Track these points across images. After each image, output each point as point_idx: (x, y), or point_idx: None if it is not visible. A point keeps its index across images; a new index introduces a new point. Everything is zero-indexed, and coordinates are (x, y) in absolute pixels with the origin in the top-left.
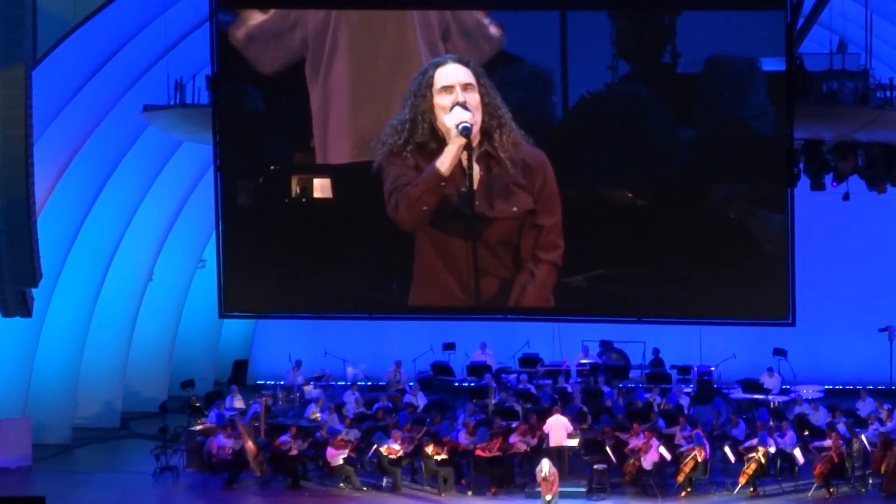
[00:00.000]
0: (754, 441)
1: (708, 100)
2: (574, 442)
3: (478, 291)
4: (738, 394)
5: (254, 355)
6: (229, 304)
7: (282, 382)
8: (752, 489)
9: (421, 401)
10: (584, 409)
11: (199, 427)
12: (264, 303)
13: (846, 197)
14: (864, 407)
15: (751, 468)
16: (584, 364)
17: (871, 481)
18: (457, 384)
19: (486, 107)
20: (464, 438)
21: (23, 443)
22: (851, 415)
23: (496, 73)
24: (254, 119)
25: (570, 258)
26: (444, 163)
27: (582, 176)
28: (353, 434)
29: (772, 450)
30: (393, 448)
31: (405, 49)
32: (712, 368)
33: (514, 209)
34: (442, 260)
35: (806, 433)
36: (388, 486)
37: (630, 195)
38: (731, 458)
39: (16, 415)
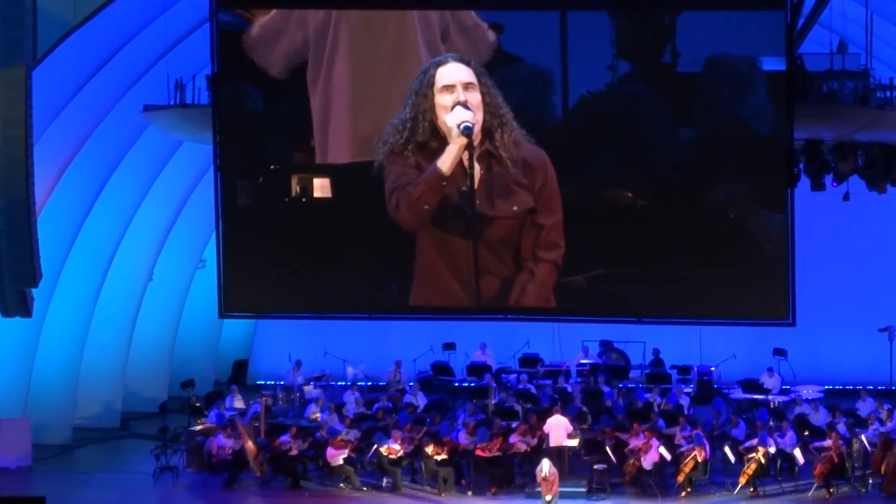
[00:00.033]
0: (754, 441)
1: (708, 99)
2: (574, 442)
3: (478, 291)
4: (738, 394)
5: (254, 355)
6: (229, 305)
7: (282, 382)
8: (752, 489)
9: (421, 401)
10: (584, 409)
11: (199, 427)
12: (264, 303)
13: (846, 197)
14: (864, 407)
15: (751, 468)
16: (584, 364)
17: (871, 481)
18: (457, 384)
19: (488, 106)
20: (464, 438)
21: (23, 443)
22: (851, 415)
23: (496, 73)
24: (254, 119)
25: (570, 258)
26: (446, 162)
27: (582, 176)
28: (353, 434)
29: (772, 450)
30: (393, 448)
31: (405, 49)
32: (712, 368)
33: (515, 208)
34: (443, 259)
35: (806, 433)
36: (388, 487)
37: (630, 195)
38: (731, 458)
39: (16, 415)
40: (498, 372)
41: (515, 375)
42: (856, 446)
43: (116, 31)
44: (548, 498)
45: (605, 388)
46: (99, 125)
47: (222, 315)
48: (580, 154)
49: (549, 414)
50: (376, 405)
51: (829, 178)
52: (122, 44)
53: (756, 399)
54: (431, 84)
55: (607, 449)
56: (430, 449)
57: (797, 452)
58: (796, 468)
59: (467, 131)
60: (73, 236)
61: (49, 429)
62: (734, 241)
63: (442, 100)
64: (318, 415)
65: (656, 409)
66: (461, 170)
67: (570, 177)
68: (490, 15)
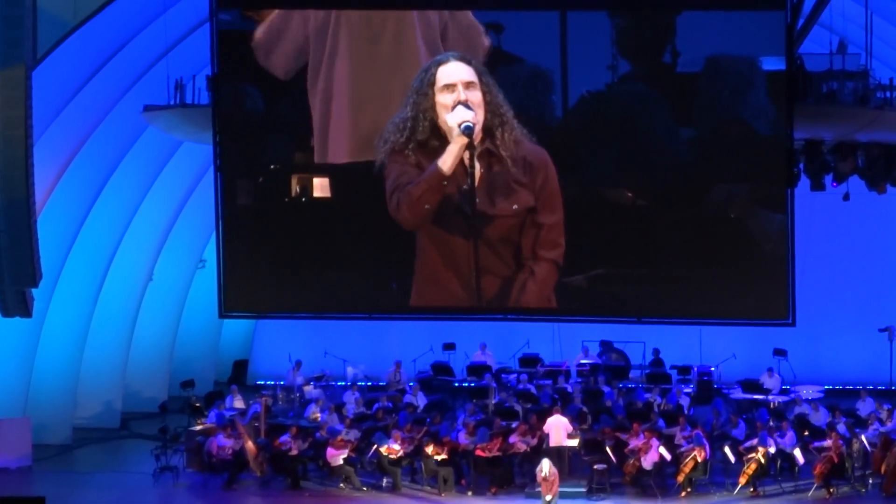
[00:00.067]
0: (754, 441)
1: (708, 99)
2: (574, 442)
3: (479, 290)
4: (738, 394)
5: (254, 355)
6: (229, 305)
7: (282, 382)
8: (752, 489)
9: (421, 401)
10: (584, 409)
11: (199, 427)
12: (264, 303)
13: (846, 197)
14: (864, 407)
15: (751, 468)
16: (584, 364)
17: (871, 481)
18: (457, 384)
19: (489, 105)
20: (464, 438)
21: (23, 443)
22: (851, 415)
23: (496, 73)
24: (254, 119)
25: (570, 258)
26: (446, 162)
27: (582, 176)
28: (353, 434)
29: (772, 450)
30: (393, 448)
31: (405, 49)
32: (712, 369)
33: (515, 207)
34: (443, 258)
35: (806, 433)
36: (388, 487)
37: (630, 195)
38: (731, 458)
39: (16, 415)
40: (498, 372)
41: (515, 375)
42: (856, 446)
43: (116, 31)
44: (548, 498)
45: (605, 389)
46: (99, 125)
47: (222, 315)
48: (580, 154)
49: (549, 414)
50: (376, 405)
51: (829, 179)
52: (122, 44)
53: (756, 399)
54: (432, 83)
55: (607, 449)
56: (430, 449)
57: (797, 452)
58: (796, 468)
59: (468, 131)
60: (73, 236)
61: (49, 429)
62: (734, 241)
63: (443, 99)
64: (318, 415)
65: (656, 409)
66: (462, 168)
67: (569, 177)
68: (490, 15)
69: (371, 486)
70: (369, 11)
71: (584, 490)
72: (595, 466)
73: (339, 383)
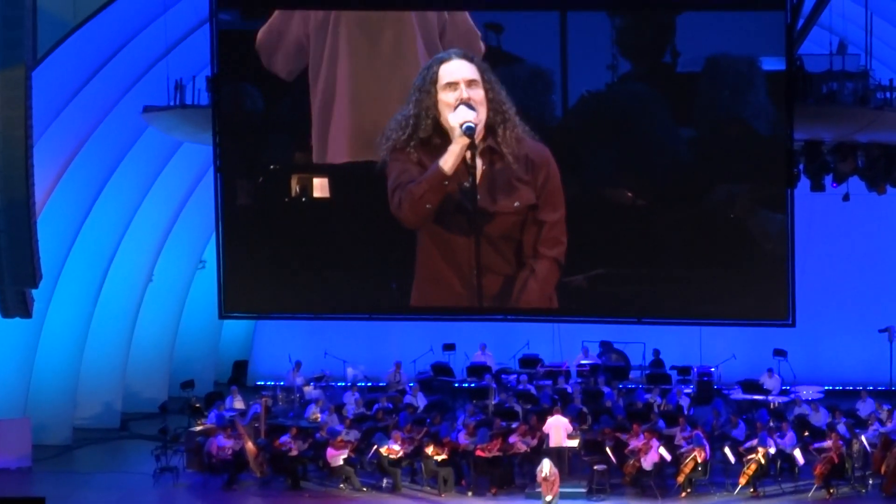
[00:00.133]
0: (754, 442)
1: (708, 99)
2: (574, 442)
3: (480, 288)
4: (737, 394)
5: (254, 356)
6: (229, 305)
7: (282, 383)
8: (752, 490)
9: (421, 401)
10: (584, 409)
11: (199, 428)
12: (264, 303)
13: (846, 198)
14: (864, 407)
15: (751, 469)
16: (584, 365)
17: (871, 482)
18: (457, 385)
19: (491, 102)
20: (464, 439)
21: (23, 443)
22: (851, 415)
23: (496, 72)
24: (254, 119)
25: (570, 258)
26: (448, 162)
27: (582, 175)
28: (353, 435)
29: (772, 450)
30: (393, 449)
31: (405, 49)
32: (712, 369)
33: (516, 204)
34: (444, 256)
35: (806, 434)
36: (388, 487)
37: (630, 195)
38: (731, 458)
39: (16, 415)
40: (498, 372)
41: (515, 376)
42: (856, 447)
43: (116, 31)
44: (548, 498)
45: (605, 389)
46: (99, 126)
47: (222, 316)
48: (580, 154)
49: (549, 414)
50: (376, 406)
51: (828, 179)
52: (121, 44)
53: (756, 400)
54: (435, 80)
55: (607, 449)
56: (430, 449)
57: (797, 453)
58: (796, 469)
59: (469, 132)
60: (73, 236)
61: (49, 429)
62: (734, 242)
63: (445, 97)
64: (318, 415)
65: (656, 409)
66: (463, 166)
67: (569, 176)
68: (490, 15)
69: (371, 487)
70: (368, 12)
71: (584, 490)
72: (595, 467)
73: (339, 384)
